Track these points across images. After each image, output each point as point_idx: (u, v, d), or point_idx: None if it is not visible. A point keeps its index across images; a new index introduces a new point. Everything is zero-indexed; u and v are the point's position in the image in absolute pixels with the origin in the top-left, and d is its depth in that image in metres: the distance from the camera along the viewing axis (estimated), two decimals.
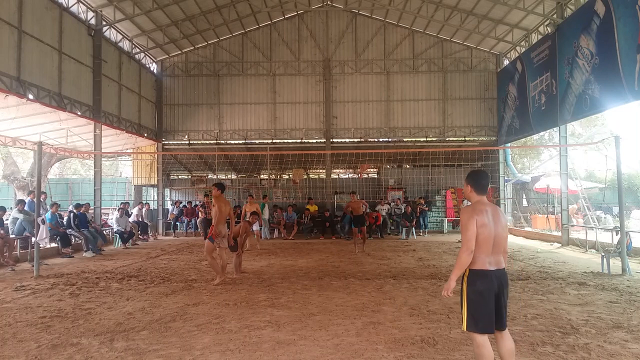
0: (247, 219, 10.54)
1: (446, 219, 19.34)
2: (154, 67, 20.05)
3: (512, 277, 8.41)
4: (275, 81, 20.21)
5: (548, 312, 5.86)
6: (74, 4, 13.81)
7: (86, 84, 14.47)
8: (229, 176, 22.50)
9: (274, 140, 20.28)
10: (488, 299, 3.37)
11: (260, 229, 14.70)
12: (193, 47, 20.03)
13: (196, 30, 18.39)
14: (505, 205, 19.58)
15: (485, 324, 3.37)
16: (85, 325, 5.39)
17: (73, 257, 11.86)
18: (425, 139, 19.99)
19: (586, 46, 12.27)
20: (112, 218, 15.85)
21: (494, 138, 19.83)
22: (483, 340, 3.40)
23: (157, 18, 16.74)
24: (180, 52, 20.07)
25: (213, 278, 8.40)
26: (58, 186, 24.63)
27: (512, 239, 16.50)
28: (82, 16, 14.30)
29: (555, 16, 14.49)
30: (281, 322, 5.46)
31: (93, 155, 16.17)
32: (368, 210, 17.89)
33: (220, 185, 8.51)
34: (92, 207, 14.47)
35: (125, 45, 17.26)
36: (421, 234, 17.89)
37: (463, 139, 20.08)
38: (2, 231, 10.30)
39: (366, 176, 21.88)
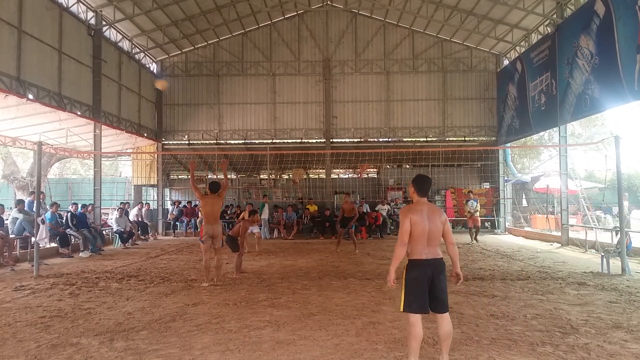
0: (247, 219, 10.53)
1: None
2: (153, 67, 20.05)
3: (512, 277, 8.43)
4: (275, 81, 20.21)
5: (548, 312, 5.86)
6: (74, 4, 13.80)
7: (86, 84, 14.47)
8: (228, 176, 22.45)
9: (274, 140, 20.28)
10: (421, 284, 3.87)
11: (260, 228, 14.68)
12: (193, 47, 20.03)
13: (196, 30, 18.39)
14: (505, 205, 19.59)
15: (418, 305, 3.85)
16: (85, 325, 5.39)
17: (72, 257, 11.86)
18: (425, 139, 19.99)
19: (586, 46, 12.27)
20: (111, 218, 15.85)
21: (493, 138, 19.83)
22: (415, 319, 3.84)
23: (157, 18, 16.74)
24: (180, 52, 20.07)
25: (213, 278, 8.41)
26: (58, 186, 24.63)
27: (512, 239, 16.52)
28: (82, 16, 14.30)
29: (555, 16, 14.49)
30: (281, 322, 5.46)
31: (93, 155, 16.18)
32: (368, 210, 17.92)
33: (211, 185, 8.29)
34: (86, 206, 14.42)
35: (125, 45, 17.26)
36: None
37: (463, 139, 20.09)
38: (2, 231, 10.30)
39: (366, 176, 21.88)
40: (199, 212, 18.08)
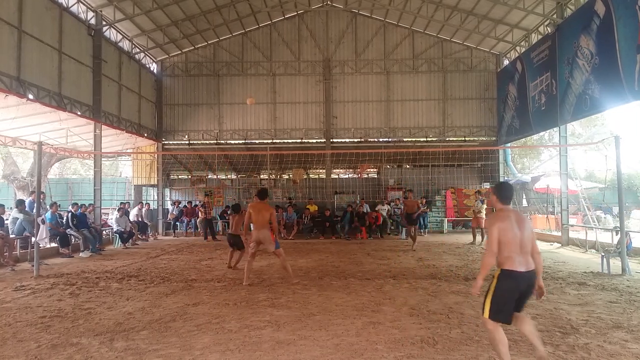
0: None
1: (446, 219, 19.34)
2: (154, 67, 20.05)
3: None
4: (275, 81, 20.22)
5: (548, 312, 5.86)
6: (74, 4, 13.81)
7: (86, 84, 14.47)
8: (229, 176, 22.50)
9: (274, 140, 20.28)
10: (512, 295, 3.77)
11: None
12: (193, 47, 20.04)
13: (196, 30, 18.40)
14: None
15: (504, 316, 3.80)
16: (85, 325, 5.39)
17: (72, 257, 11.86)
18: (425, 139, 20.00)
19: (586, 46, 12.27)
20: (112, 218, 15.85)
21: (493, 138, 19.84)
22: (496, 326, 3.81)
23: (157, 18, 16.74)
24: (180, 52, 20.08)
25: (213, 278, 8.42)
26: (58, 186, 24.62)
27: None
28: (82, 16, 14.30)
29: (555, 16, 14.50)
30: (281, 322, 5.46)
31: (93, 155, 16.17)
32: (368, 211, 17.94)
33: (259, 192, 8.47)
34: (87, 206, 14.42)
35: (125, 45, 17.26)
36: (421, 234, 17.87)
37: (463, 139, 20.09)
38: (2, 231, 10.30)
39: (366, 176, 21.88)
40: (199, 212, 18.08)
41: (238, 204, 11.30)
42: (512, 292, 3.76)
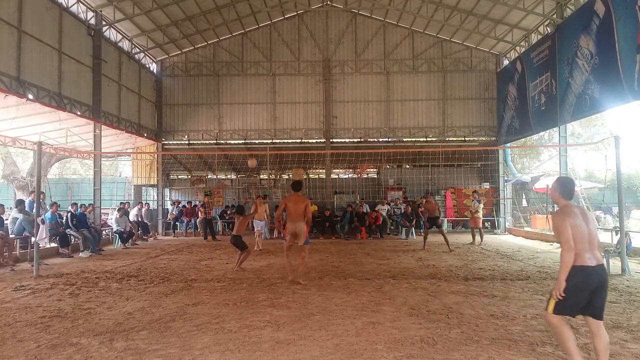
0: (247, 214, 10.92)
1: (446, 219, 19.33)
2: (153, 67, 20.06)
3: (512, 277, 8.43)
4: (275, 81, 20.22)
5: None
6: (74, 4, 13.81)
7: (86, 84, 14.47)
8: (228, 176, 22.50)
9: (274, 140, 20.29)
10: (583, 292, 3.64)
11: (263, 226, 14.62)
12: (193, 47, 20.04)
13: (196, 30, 18.40)
14: (504, 205, 19.59)
15: (569, 311, 3.72)
16: (85, 325, 5.39)
17: (72, 257, 11.86)
18: (425, 139, 20.00)
19: (586, 46, 12.28)
20: (111, 218, 15.85)
21: (493, 138, 19.84)
22: (561, 321, 3.71)
23: (157, 18, 16.74)
24: (180, 52, 20.08)
25: (213, 278, 8.42)
26: (58, 186, 24.60)
27: (512, 239, 16.52)
28: (82, 16, 14.30)
29: (555, 16, 14.50)
30: (281, 322, 5.46)
31: (93, 155, 16.18)
32: (368, 211, 17.95)
33: (293, 184, 8.35)
34: (87, 206, 14.42)
35: (125, 45, 17.26)
36: (421, 234, 17.86)
37: (463, 139, 20.09)
38: (2, 231, 10.30)
39: (366, 176, 21.88)
40: (199, 212, 18.09)
41: (242, 205, 11.32)
42: (583, 288, 3.64)
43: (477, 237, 14.72)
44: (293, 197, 8.07)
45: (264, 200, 17.43)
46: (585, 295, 3.65)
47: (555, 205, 4.24)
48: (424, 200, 14.52)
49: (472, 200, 15.21)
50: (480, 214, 14.91)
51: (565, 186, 3.92)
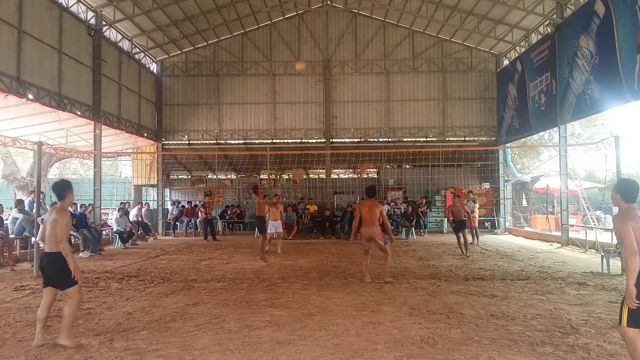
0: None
1: (446, 219, 19.32)
2: (153, 67, 20.05)
3: (512, 277, 8.43)
4: (275, 81, 20.21)
5: (548, 312, 5.86)
6: (74, 4, 13.80)
7: (86, 84, 14.47)
8: (228, 176, 22.50)
9: (274, 140, 20.28)
10: None
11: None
12: (193, 47, 20.04)
13: (196, 30, 18.40)
14: (505, 205, 19.59)
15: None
16: (85, 325, 5.39)
17: None
18: (425, 139, 19.99)
19: (586, 46, 12.28)
20: (111, 218, 15.85)
21: (493, 138, 19.84)
22: (636, 334, 3.48)
23: (157, 18, 16.74)
24: (180, 52, 20.08)
25: (213, 278, 8.42)
26: None
27: (512, 239, 16.52)
28: (82, 16, 14.30)
29: (555, 16, 14.49)
30: (281, 322, 5.46)
31: (93, 155, 16.17)
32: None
33: (367, 190, 8.53)
34: (87, 206, 14.41)
35: (125, 45, 17.26)
36: (421, 234, 17.90)
37: (463, 139, 20.09)
38: (2, 231, 10.29)
39: (366, 176, 21.88)
40: (199, 213, 18.08)
41: (256, 184, 11.37)
42: None
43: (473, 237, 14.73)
44: (367, 203, 8.24)
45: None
46: None
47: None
48: (451, 205, 14.13)
49: (467, 201, 15.22)
50: (476, 214, 14.91)
51: (627, 189, 3.75)
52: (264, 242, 9.93)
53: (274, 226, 12.39)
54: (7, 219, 11.35)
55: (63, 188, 4.77)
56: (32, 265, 9.24)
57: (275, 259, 11.21)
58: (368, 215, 8.09)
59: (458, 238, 12.03)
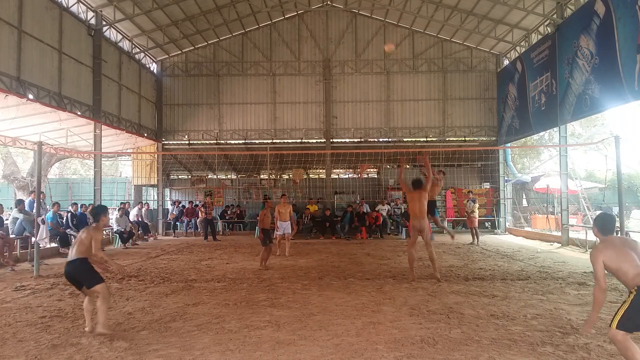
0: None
1: (446, 219, 19.33)
2: (154, 67, 20.06)
3: (512, 277, 8.43)
4: (275, 81, 20.22)
5: (548, 312, 5.86)
6: (74, 4, 13.80)
7: (86, 84, 14.47)
8: (229, 176, 22.50)
9: (274, 140, 20.28)
10: None
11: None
12: (193, 47, 20.04)
13: (196, 30, 18.40)
14: (505, 205, 19.59)
15: (631, 329, 3.66)
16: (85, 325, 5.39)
17: None
18: (425, 139, 19.99)
19: (586, 46, 12.28)
20: (112, 218, 15.84)
21: (494, 138, 19.83)
22: (625, 335, 3.64)
23: (157, 18, 16.74)
24: (180, 52, 20.08)
25: (213, 278, 8.42)
26: (58, 186, 24.62)
27: (512, 239, 16.52)
28: (82, 16, 14.30)
29: (555, 16, 14.49)
30: (281, 322, 5.46)
31: (93, 155, 16.17)
32: (368, 211, 17.94)
33: (414, 182, 8.39)
34: (87, 206, 14.41)
35: (125, 45, 17.26)
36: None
37: (463, 139, 20.09)
38: (2, 231, 10.30)
39: (366, 176, 21.88)
40: (199, 213, 18.08)
41: (266, 195, 11.26)
42: None
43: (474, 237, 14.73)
44: (416, 195, 8.10)
45: (264, 200, 17.39)
46: None
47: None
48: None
49: (467, 201, 15.22)
50: (476, 214, 14.91)
51: (602, 222, 4.00)
52: (265, 253, 9.88)
53: (283, 227, 11.95)
54: (7, 219, 11.35)
55: (98, 212, 5.59)
56: (32, 266, 9.24)
57: (275, 259, 11.21)
58: (418, 207, 8.00)
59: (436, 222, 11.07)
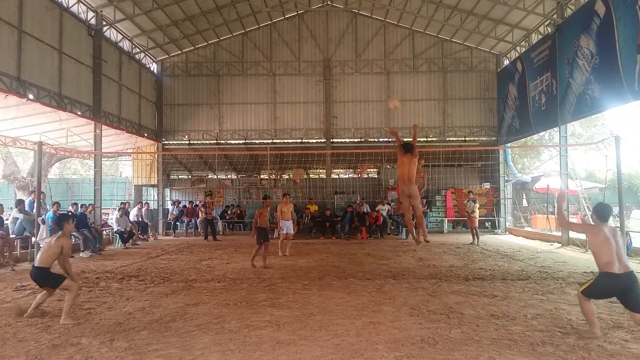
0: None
1: (446, 219, 19.34)
2: (154, 67, 20.06)
3: (512, 277, 8.43)
4: (275, 81, 20.22)
5: (548, 312, 5.86)
6: (74, 4, 13.81)
7: (86, 84, 14.47)
8: (229, 176, 22.51)
9: (274, 140, 20.28)
10: (607, 293, 4.89)
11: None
12: (193, 47, 20.04)
13: (196, 30, 18.40)
14: (505, 205, 19.58)
15: (591, 297, 4.82)
16: (85, 325, 5.39)
17: (72, 257, 11.84)
18: (425, 139, 19.98)
19: (586, 46, 12.27)
20: (112, 218, 15.85)
21: (494, 138, 19.83)
22: (586, 299, 4.81)
23: (157, 18, 16.74)
24: (180, 52, 20.08)
25: (213, 278, 8.44)
26: (58, 186, 24.61)
27: (512, 239, 16.52)
28: (82, 16, 14.30)
29: (555, 16, 14.49)
30: (281, 322, 5.46)
31: (93, 155, 16.17)
32: (368, 210, 17.94)
33: (404, 146, 8.28)
34: (87, 206, 14.41)
35: (126, 45, 17.26)
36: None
37: (463, 139, 20.08)
38: (2, 231, 10.30)
39: (366, 176, 21.88)
40: (199, 213, 18.08)
41: (267, 194, 11.34)
42: (608, 291, 4.78)
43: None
44: (406, 159, 7.81)
45: (263, 200, 17.35)
46: (610, 294, 4.89)
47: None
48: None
49: (467, 201, 15.22)
50: (476, 214, 14.90)
51: (601, 211, 4.91)
52: (259, 250, 9.96)
53: (286, 226, 11.90)
54: (7, 219, 11.35)
55: (61, 220, 5.92)
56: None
57: (275, 259, 11.21)
58: (407, 172, 7.71)
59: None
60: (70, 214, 12.59)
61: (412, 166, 7.78)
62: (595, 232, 4.77)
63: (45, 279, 5.69)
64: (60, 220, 5.96)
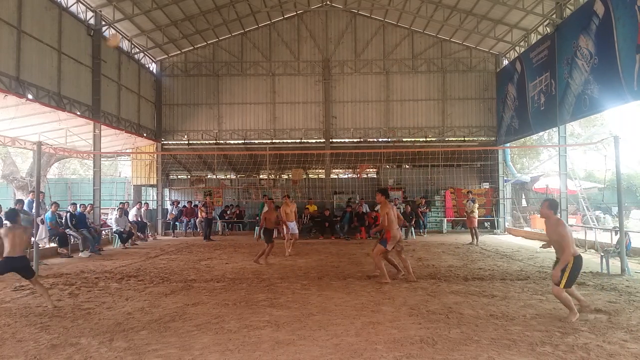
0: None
1: (445, 219, 19.35)
2: (153, 67, 20.05)
3: (511, 277, 8.44)
4: (274, 81, 20.21)
5: (547, 312, 5.86)
6: (74, 4, 13.80)
7: (85, 84, 14.46)
8: (228, 176, 22.50)
9: (273, 140, 20.28)
10: (579, 274, 5.74)
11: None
12: (192, 47, 20.03)
13: (195, 30, 18.39)
14: (504, 205, 19.60)
15: (571, 285, 5.60)
16: (85, 325, 5.39)
17: (72, 257, 11.85)
18: (424, 139, 20.00)
19: (585, 46, 12.28)
20: (111, 218, 15.84)
21: (493, 138, 19.84)
22: (565, 291, 5.52)
23: (156, 18, 16.73)
24: (179, 52, 20.07)
25: (212, 278, 8.41)
26: (57, 186, 24.61)
27: (511, 239, 16.52)
28: (82, 16, 14.29)
29: (554, 16, 14.51)
30: (280, 322, 5.46)
31: (92, 155, 16.16)
32: (367, 210, 17.94)
33: (384, 191, 8.58)
34: (86, 206, 14.40)
35: (125, 45, 17.25)
36: (420, 234, 17.90)
37: (462, 139, 20.10)
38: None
39: (365, 176, 21.88)
40: (199, 212, 18.07)
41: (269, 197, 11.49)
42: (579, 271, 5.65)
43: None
44: (390, 205, 8.48)
45: (264, 200, 17.36)
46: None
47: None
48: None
49: (467, 201, 15.23)
50: (475, 214, 14.90)
51: (554, 204, 5.83)
52: (269, 249, 10.34)
53: (291, 227, 12.26)
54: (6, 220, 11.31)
55: (14, 214, 6.64)
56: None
57: (275, 259, 11.20)
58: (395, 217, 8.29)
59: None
60: (69, 213, 12.61)
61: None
62: (565, 224, 5.59)
63: (27, 266, 6.43)
64: (13, 214, 6.70)
